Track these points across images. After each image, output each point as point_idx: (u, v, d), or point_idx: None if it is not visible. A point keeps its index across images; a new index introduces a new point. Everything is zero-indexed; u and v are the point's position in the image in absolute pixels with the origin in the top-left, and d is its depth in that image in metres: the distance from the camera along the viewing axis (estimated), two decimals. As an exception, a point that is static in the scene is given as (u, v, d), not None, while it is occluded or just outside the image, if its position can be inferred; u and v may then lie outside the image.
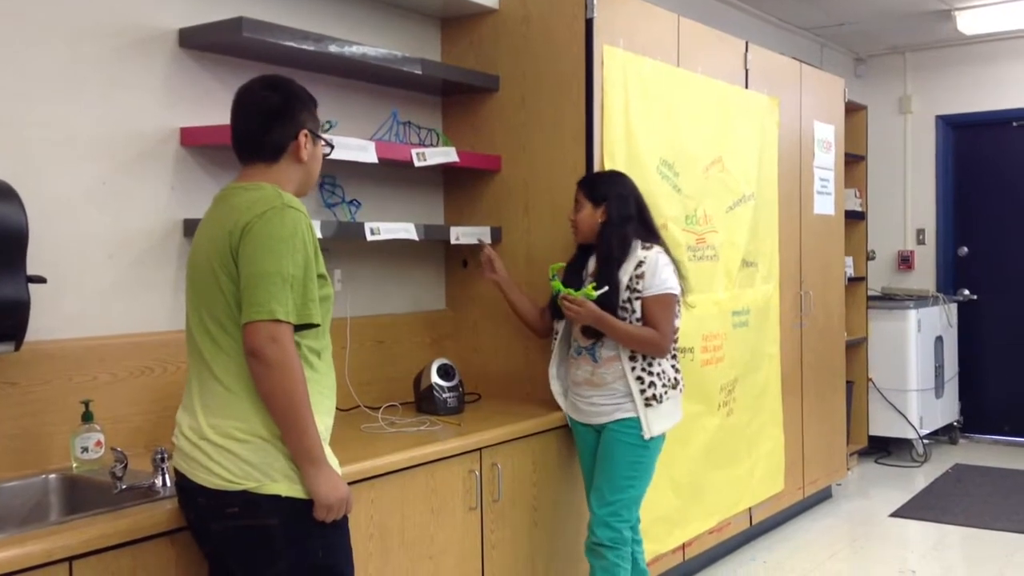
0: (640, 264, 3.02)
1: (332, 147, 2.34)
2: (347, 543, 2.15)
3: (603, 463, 3.08)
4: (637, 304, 3.00)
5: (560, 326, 3.22)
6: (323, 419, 2.09)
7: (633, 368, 3.03)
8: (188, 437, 2.07)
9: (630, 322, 3.01)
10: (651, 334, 3.00)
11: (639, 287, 3.01)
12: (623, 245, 3.05)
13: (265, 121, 2.14)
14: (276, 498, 1.99)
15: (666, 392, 3.05)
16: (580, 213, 3.13)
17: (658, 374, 3.04)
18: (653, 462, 3.10)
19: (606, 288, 3.00)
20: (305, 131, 2.17)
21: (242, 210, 2.03)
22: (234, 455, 2.00)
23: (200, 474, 2.03)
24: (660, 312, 3.00)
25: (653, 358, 3.04)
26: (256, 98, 2.17)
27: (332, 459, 2.11)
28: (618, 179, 3.18)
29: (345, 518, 2.12)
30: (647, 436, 3.02)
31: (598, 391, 3.07)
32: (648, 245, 3.08)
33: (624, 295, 3.01)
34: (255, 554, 2.03)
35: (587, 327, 3.05)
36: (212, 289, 2.05)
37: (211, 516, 2.04)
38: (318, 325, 2.05)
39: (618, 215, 3.07)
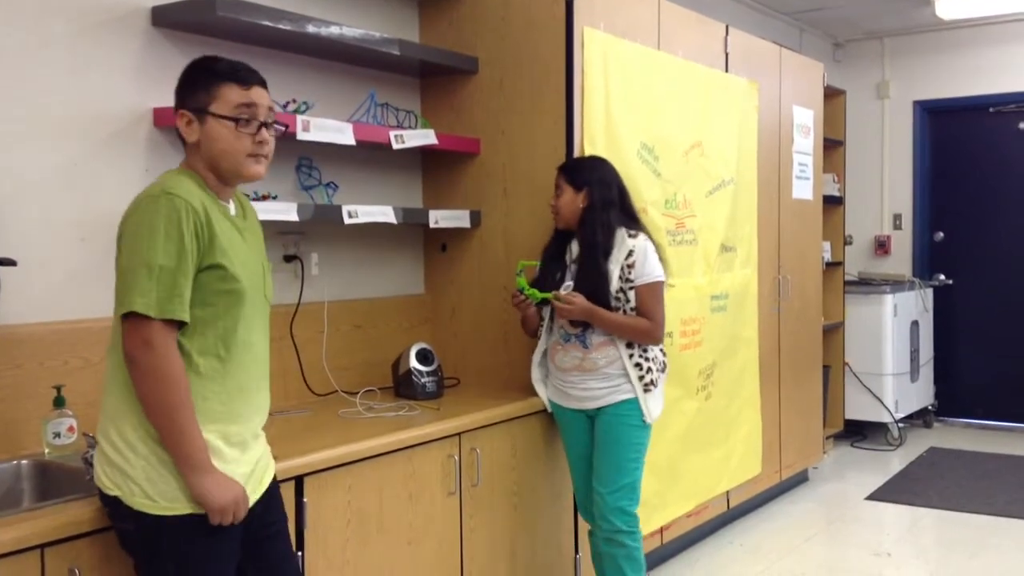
0: (631, 253, 3.02)
1: (235, 120, 2.02)
2: (209, 558, 1.98)
3: (606, 448, 3.07)
4: (631, 293, 3.01)
5: (546, 314, 3.19)
6: (210, 426, 1.95)
7: (631, 355, 3.03)
8: None
9: (624, 311, 3.01)
10: (645, 324, 3.01)
11: (631, 276, 3.01)
12: (607, 231, 3.03)
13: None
14: (130, 508, 1.93)
15: (659, 377, 3.09)
16: (561, 198, 3.11)
17: (652, 359, 3.07)
18: (647, 443, 3.12)
19: (570, 284, 3.02)
20: (181, 111, 2.03)
21: (134, 199, 1.98)
22: (104, 454, 1.96)
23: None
24: (651, 300, 3.02)
25: (652, 345, 3.06)
26: None
27: (243, 462, 2.02)
28: (599, 164, 3.16)
29: (214, 538, 1.96)
30: (648, 420, 3.06)
31: (590, 375, 3.06)
32: (634, 233, 3.07)
33: (617, 285, 3.01)
34: (130, 555, 2.01)
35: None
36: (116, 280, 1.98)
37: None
38: (184, 323, 1.91)
39: (600, 200, 3.05)
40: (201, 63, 2.08)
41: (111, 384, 1.98)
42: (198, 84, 2.04)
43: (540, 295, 3.05)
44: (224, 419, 1.99)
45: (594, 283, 3.00)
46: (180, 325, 1.91)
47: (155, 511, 1.91)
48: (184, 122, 2.04)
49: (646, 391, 3.05)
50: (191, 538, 1.94)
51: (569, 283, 3.05)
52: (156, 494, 1.91)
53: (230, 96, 2.03)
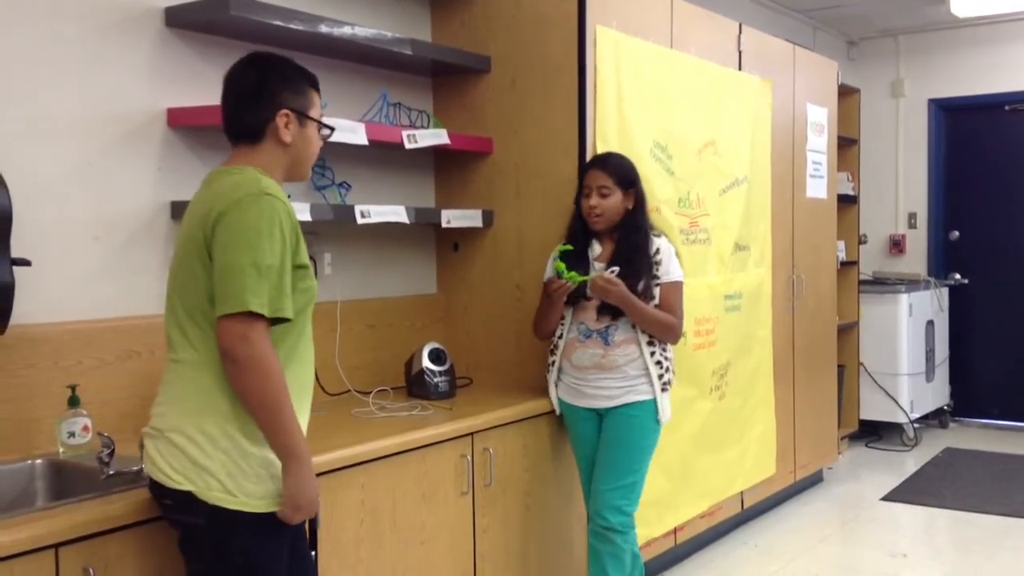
0: (657, 252, 3.05)
1: (331, 129, 2.23)
2: (273, 556, 2.02)
3: (613, 446, 3.06)
4: (656, 291, 3.03)
5: (568, 312, 3.12)
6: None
7: (653, 353, 3.04)
8: (146, 426, 2.05)
9: None
10: (671, 319, 3.04)
11: (657, 273, 3.03)
12: (646, 231, 3.07)
13: (243, 101, 2.07)
14: (204, 503, 1.94)
15: (673, 377, 3.11)
16: (609, 199, 3.04)
17: (669, 359, 3.09)
18: (656, 445, 3.12)
19: (616, 268, 2.99)
20: (285, 111, 2.06)
21: (219, 196, 1.97)
22: (177, 448, 1.96)
23: (147, 463, 2.01)
24: (674, 298, 3.05)
25: (666, 344, 3.05)
26: (236, 76, 2.10)
27: None
28: (632, 163, 3.16)
29: (280, 535, 2.02)
30: (663, 420, 3.06)
31: (608, 374, 3.05)
32: (658, 233, 3.11)
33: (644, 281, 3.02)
34: (186, 545, 2.03)
35: (603, 311, 3.02)
36: (187, 277, 2.00)
37: (157, 504, 2.04)
38: (289, 320, 1.97)
39: (642, 200, 3.09)
40: (288, 66, 2.12)
41: (188, 380, 1.98)
42: (298, 87, 2.10)
43: (579, 278, 2.97)
44: (297, 412, 2.04)
45: (638, 280, 2.98)
46: (278, 321, 1.96)
47: (234, 506, 1.94)
48: (284, 122, 2.07)
49: (663, 390, 3.06)
50: (262, 534, 1.98)
51: (615, 268, 3.01)
52: (236, 489, 1.94)
53: (317, 102, 2.15)
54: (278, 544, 2.03)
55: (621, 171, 3.08)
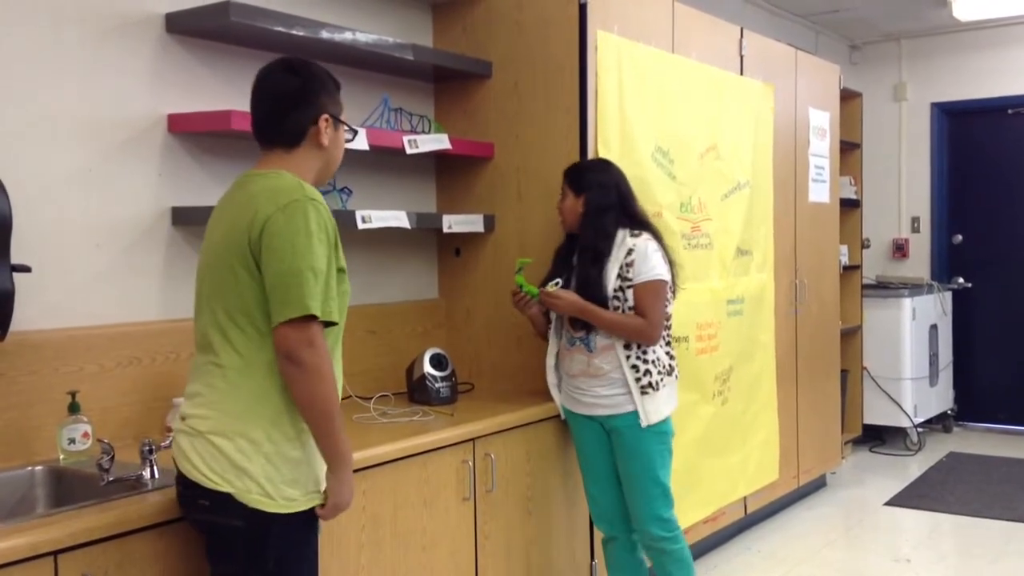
0: (630, 252, 3.00)
1: (356, 132, 2.26)
2: (303, 556, 2.05)
3: (630, 461, 3.05)
4: (629, 293, 2.98)
5: (554, 317, 3.18)
6: None
7: (628, 356, 3.00)
8: (180, 424, 2.05)
9: (623, 311, 2.98)
10: (638, 322, 2.97)
11: (629, 275, 2.98)
12: (601, 236, 3.02)
13: (283, 105, 2.08)
14: (243, 505, 1.95)
15: (661, 379, 3.03)
16: (564, 202, 3.11)
17: (653, 361, 3.02)
18: (665, 443, 3.09)
19: (559, 281, 3.03)
20: (325, 116, 2.10)
21: (261, 201, 1.97)
22: (217, 450, 1.96)
23: (182, 462, 2.01)
24: (648, 300, 2.97)
25: (647, 345, 3.01)
26: (275, 81, 2.11)
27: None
28: (601, 167, 3.15)
29: (312, 535, 2.08)
30: (644, 424, 3.01)
31: (597, 381, 3.04)
32: (637, 233, 3.04)
33: (615, 284, 2.99)
34: (216, 548, 2.04)
35: (575, 320, 3.02)
36: (227, 281, 1.99)
37: (188, 505, 2.04)
38: (336, 323, 2.01)
39: (596, 205, 3.04)
40: (321, 71, 2.15)
41: (231, 385, 1.98)
42: (330, 92, 2.14)
43: (534, 291, 3.06)
44: None
45: (588, 285, 2.99)
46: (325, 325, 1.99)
47: (272, 508, 1.96)
48: (324, 127, 2.10)
49: (643, 393, 3.00)
50: (296, 535, 2.01)
51: (558, 280, 3.05)
52: (275, 492, 1.97)
53: (343, 107, 2.19)
54: (308, 542, 2.06)
55: (573, 175, 3.12)
